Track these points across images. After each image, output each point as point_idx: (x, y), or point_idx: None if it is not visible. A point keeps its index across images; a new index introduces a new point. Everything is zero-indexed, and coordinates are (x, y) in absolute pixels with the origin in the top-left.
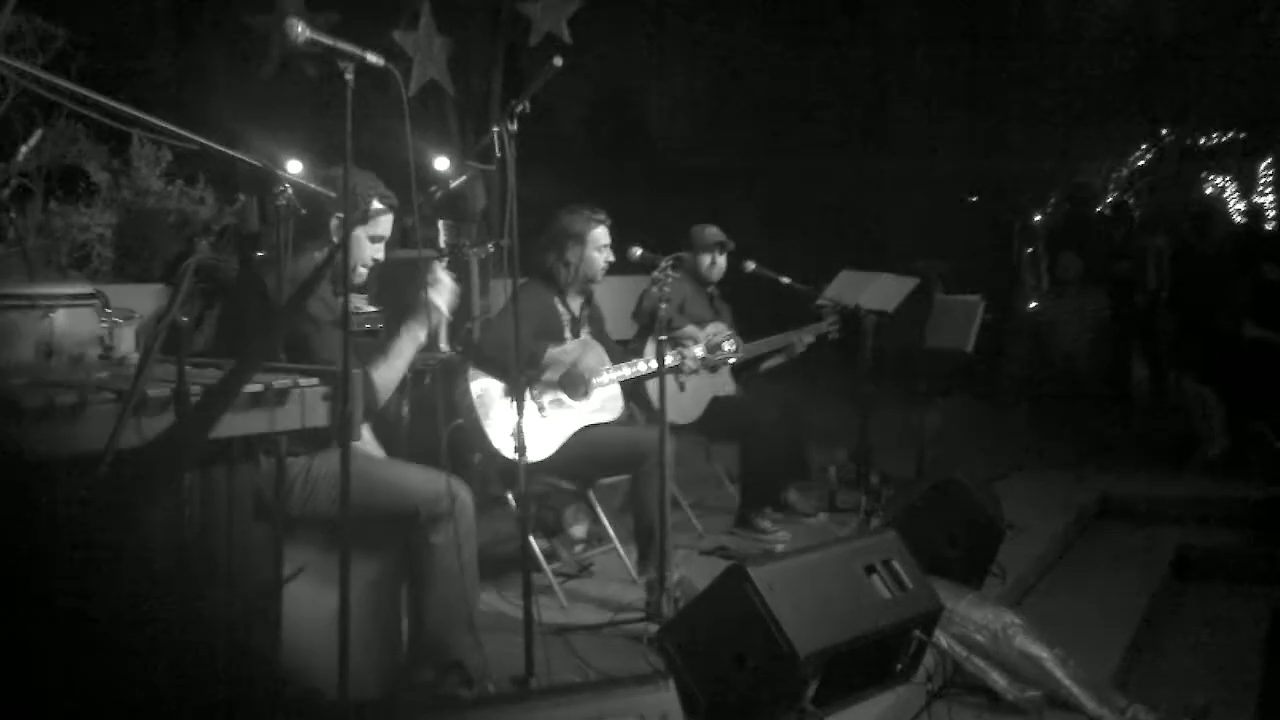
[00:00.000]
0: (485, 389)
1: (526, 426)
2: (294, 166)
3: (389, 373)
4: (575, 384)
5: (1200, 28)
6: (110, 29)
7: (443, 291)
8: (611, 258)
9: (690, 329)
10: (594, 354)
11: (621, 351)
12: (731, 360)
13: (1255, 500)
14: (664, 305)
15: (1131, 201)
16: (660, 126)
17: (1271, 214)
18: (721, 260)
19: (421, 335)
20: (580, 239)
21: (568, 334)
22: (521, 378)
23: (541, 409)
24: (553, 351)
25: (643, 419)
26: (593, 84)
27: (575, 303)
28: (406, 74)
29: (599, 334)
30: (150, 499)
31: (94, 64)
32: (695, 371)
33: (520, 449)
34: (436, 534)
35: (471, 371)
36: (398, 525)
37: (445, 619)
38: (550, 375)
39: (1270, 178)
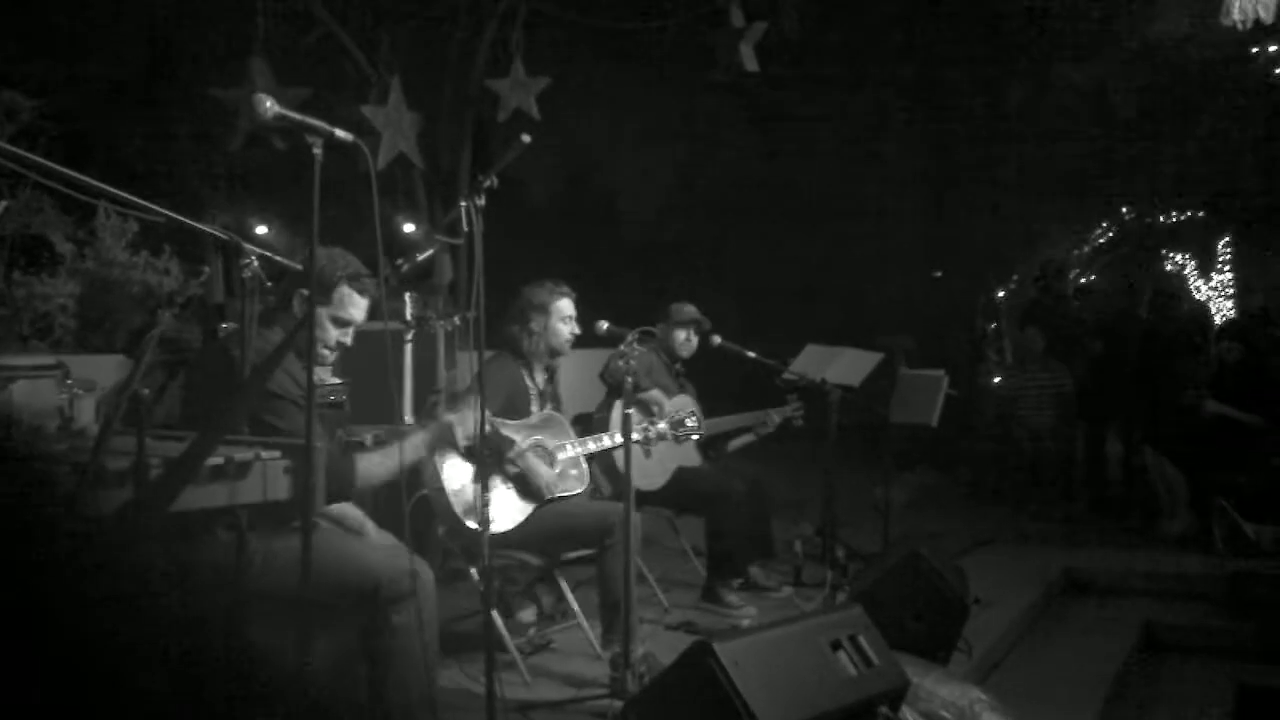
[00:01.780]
0: (451, 461)
1: (492, 499)
2: (261, 229)
3: (375, 468)
4: (541, 457)
5: (1158, 110)
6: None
7: (463, 421)
8: (577, 330)
9: (655, 393)
10: (555, 428)
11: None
12: (695, 437)
13: (1221, 575)
14: (629, 379)
15: (1094, 279)
16: (628, 201)
17: (1229, 292)
18: (695, 339)
19: (423, 451)
20: (544, 309)
21: (534, 406)
22: (486, 455)
23: (507, 479)
24: (517, 448)
25: (608, 490)
26: (561, 159)
27: (540, 376)
28: (375, 148)
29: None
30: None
31: (62, 135)
32: (659, 441)
33: (483, 523)
34: (397, 614)
35: (446, 467)
36: (357, 602)
37: (405, 700)
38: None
39: (1228, 256)
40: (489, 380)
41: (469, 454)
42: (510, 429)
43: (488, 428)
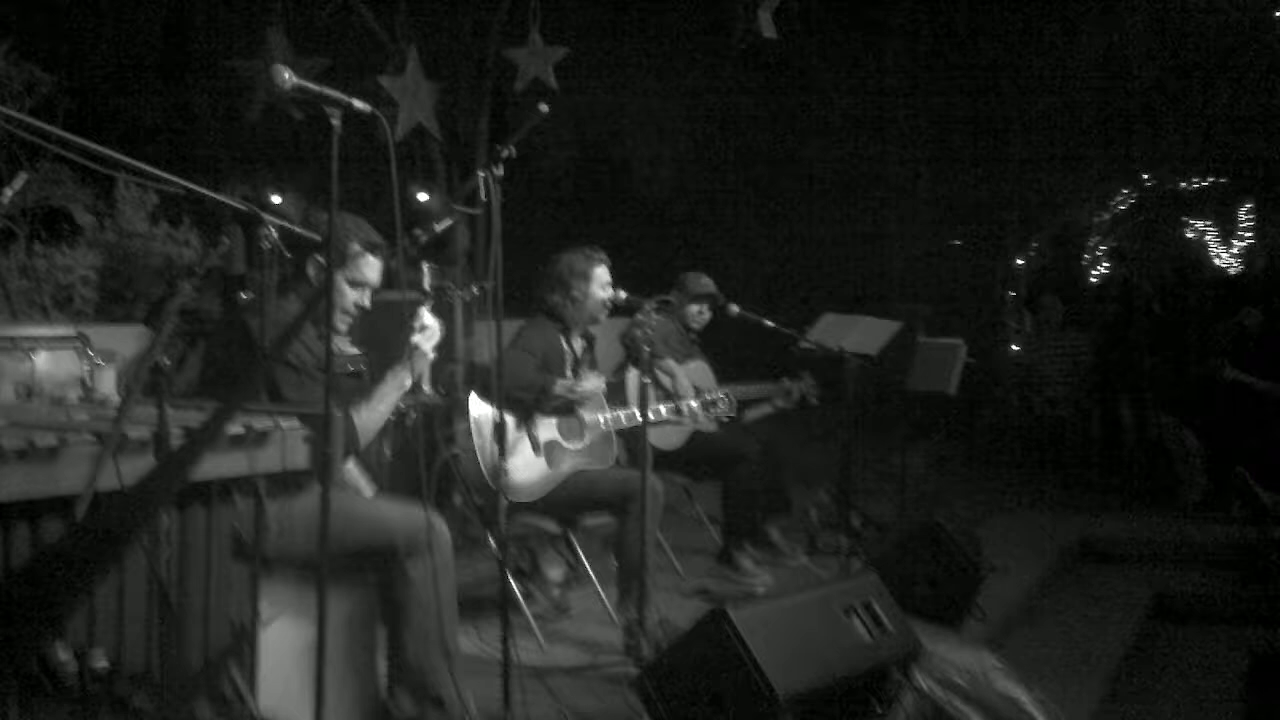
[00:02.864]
0: (482, 422)
1: (522, 464)
2: (276, 200)
3: (371, 415)
4: (572, 428)
5: (1180, 75)
6: (97, 73)
7: (429, 336)
8: (613, 294)
9: (669, 363)
10: (594, 399)
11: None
12: (726, 417)
13: (1235, 543)
14: (647, 348)
15: (1115, 246)
16: (646, 170)
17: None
18: (708, 313)
19: (406, 380)
20: (585, 276)
21: (569, 373)
22: (504, 413)
23: (537, 448)
24: (563, 383)
25: (624, 454)
26: (579, 128)
27: (578, 343)
28: (393, 119)
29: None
30: (128, 541)
31: (81, 108)
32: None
33: (502, 488)
34: (414, 567)
35: (473, 405)
36: (375, 560)
37: (424, 651)
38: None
39: (1250, 222)
40: (527, 345)
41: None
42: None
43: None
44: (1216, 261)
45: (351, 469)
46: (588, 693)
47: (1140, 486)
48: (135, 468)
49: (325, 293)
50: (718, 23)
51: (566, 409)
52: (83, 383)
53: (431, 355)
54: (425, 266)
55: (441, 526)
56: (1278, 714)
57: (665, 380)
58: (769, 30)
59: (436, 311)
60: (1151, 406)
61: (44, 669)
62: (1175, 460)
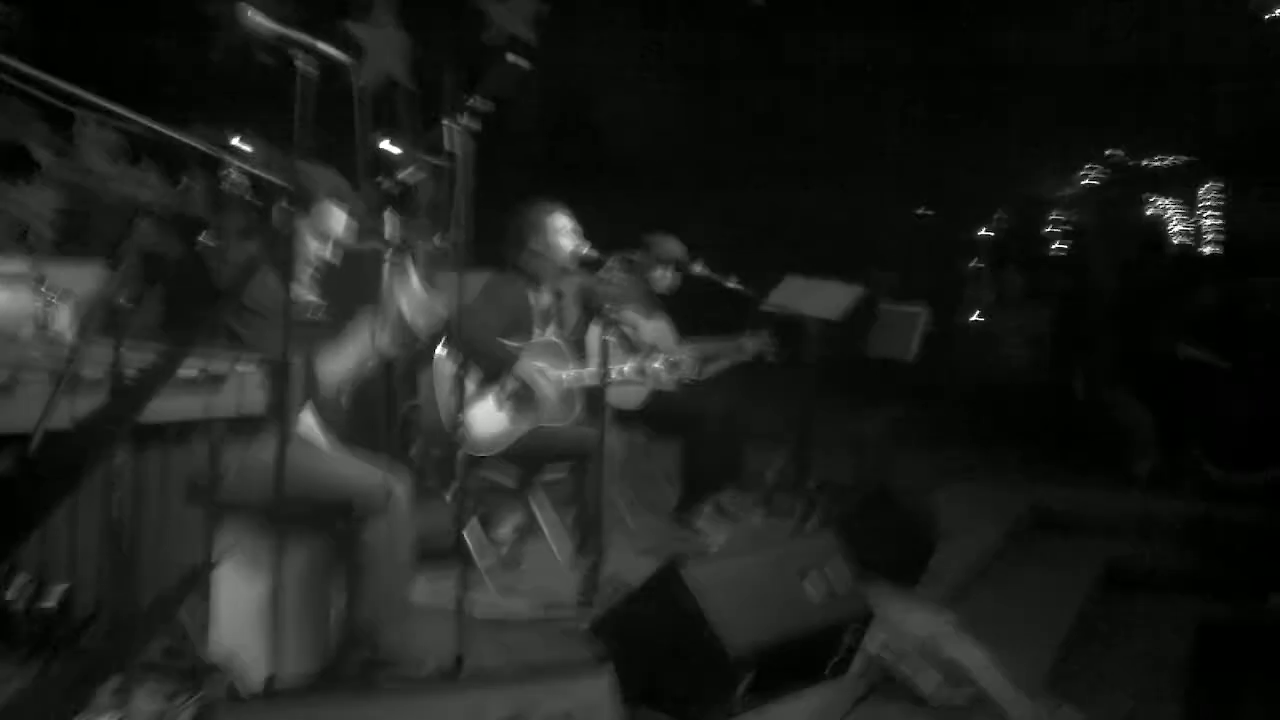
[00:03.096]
0: (444, 373)
1: (483, 417)
2: (236, 143)
3: (334, 364)
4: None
5: (1149, 55)
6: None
7: (411, 297)
8: (579, 242)
9: (631, 314)
10: (555, 353)
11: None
12: (688, 379)
13: (1184, 516)
14: (608, 305)
15: (1076, 220)
16: (614, 127)
17: (1209, 238)
18: (673, 277)
19: (379, 334)
20: (538, 227)
21: (537, 328)
22: (464, 365)
23: (500, 402)
24: (527, 365)
25: (584, 410)
26: (551, 82)
27: (546, 298)
28: (360, 66)
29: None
30: (80, 479)
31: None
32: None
33: (459, 439)
34: (370, 528)
35: (436, 357)
36: (333, 514)
37: (378, 609)
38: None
39: (1211, 201)
40: (495, 299)
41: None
42: (515, 348)
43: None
44: (1175, 239)
45: (309, 421)
46: (541, 643)
47: (1092, 458)
48: (88, 406)
49: (286, 238)
50: None
51: (523, 387)
52: (36, 320)
53: (409, 314)
54: (387, 215)
55: (399, 488)
56: (1222, 680)
57: (628, 331)
58: None
59: (399, 263)
60: (1105, 380)
61: None
62: (1128, 433)
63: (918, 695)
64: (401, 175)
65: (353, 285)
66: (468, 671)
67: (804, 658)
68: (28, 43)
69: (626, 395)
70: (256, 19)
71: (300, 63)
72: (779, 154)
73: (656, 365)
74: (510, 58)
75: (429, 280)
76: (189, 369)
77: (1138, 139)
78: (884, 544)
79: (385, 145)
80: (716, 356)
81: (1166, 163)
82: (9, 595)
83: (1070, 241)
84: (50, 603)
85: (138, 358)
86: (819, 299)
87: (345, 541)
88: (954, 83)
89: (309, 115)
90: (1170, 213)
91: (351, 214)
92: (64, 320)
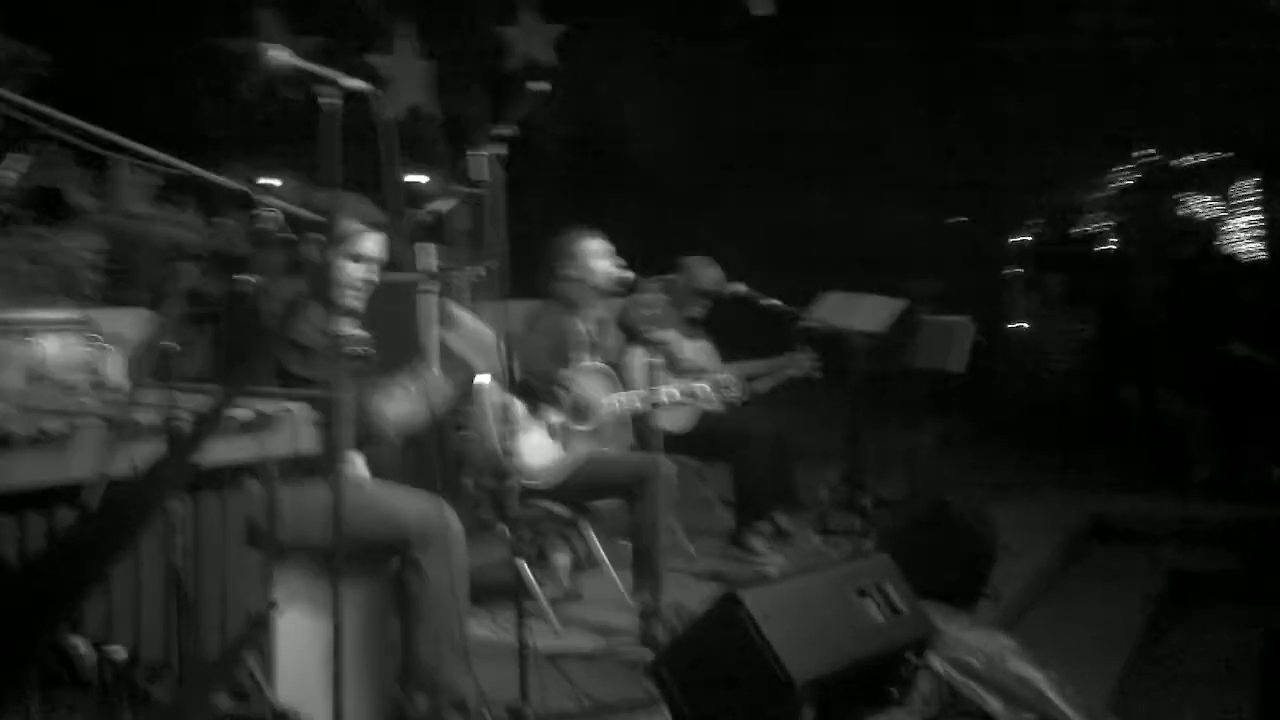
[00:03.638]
0: (493, 405)
1: (535, 448)
2: (267, 180)
3: (389, 409)
4: (580, 411)
5: (1176, 48)
6: (91, 52)
7: (460, 333)
8: (616, 266)
9: (672, 333)
10: (605, 380)
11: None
12: (736, 399)
13: (1246, 521)
14: (648, 328)
15: (1116, 222)
16: (646, 148)
17: (1251, 234)
18: (709, 302)
19: (432, 380)
20: (572, 253)
21: (585, 356)
22: (512, 396)
23: (553, 432)
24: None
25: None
26: (574, 106)
27: (591, 326)
28: (385, 98)
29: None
30: (141, 528)
31: (76, 86)
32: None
33: (513, 471)
34: (427, 563)
35: (484, 388)
36: (388, 553)
37: (437, 649)
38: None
39: (1253, 197)
40: (540, 328)
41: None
42: (565, 374)
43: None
44: (1224, 238)
45: (358, 461)
46: (603, 678)
47: (1148, 464)
48: (146, 453)
49: (324, 270)
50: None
51: (574, 405)
52: (91, 368)
53: (470, 358)
54: (432, 247)
55: (455, 521)
56: None
57: (671, 352)
58: (761, 7)
59: (444, 293)
60: (1158, 383)
61: (62, 660)
62: (1183, 437)
63: (986, 715)
64: (433, 206)
65: (393, 319)
66: (530, 713)
67: (868, 681)
68: (57, 86)
69: (674, 419)
70: (280, 56)
71: (324, 98)
72: (809, 167)
73: (705, 386)
74: (532, 84)
75: (472, 310)
76: (241, 410)
77: (1167, 137)
78: (942, 562)
79: (414, 177)
80: (762, 378)
81: (1200, 160)
82: (79, 646)
83: (1112, 243)
84: (119, 653)
85: (189, 401)
86: (863, 313)
87: (402, 579)
88: (980, 85)
89: (335, 149)
90: (1207, 211)
91: (382, 233)
92: (115, 367)
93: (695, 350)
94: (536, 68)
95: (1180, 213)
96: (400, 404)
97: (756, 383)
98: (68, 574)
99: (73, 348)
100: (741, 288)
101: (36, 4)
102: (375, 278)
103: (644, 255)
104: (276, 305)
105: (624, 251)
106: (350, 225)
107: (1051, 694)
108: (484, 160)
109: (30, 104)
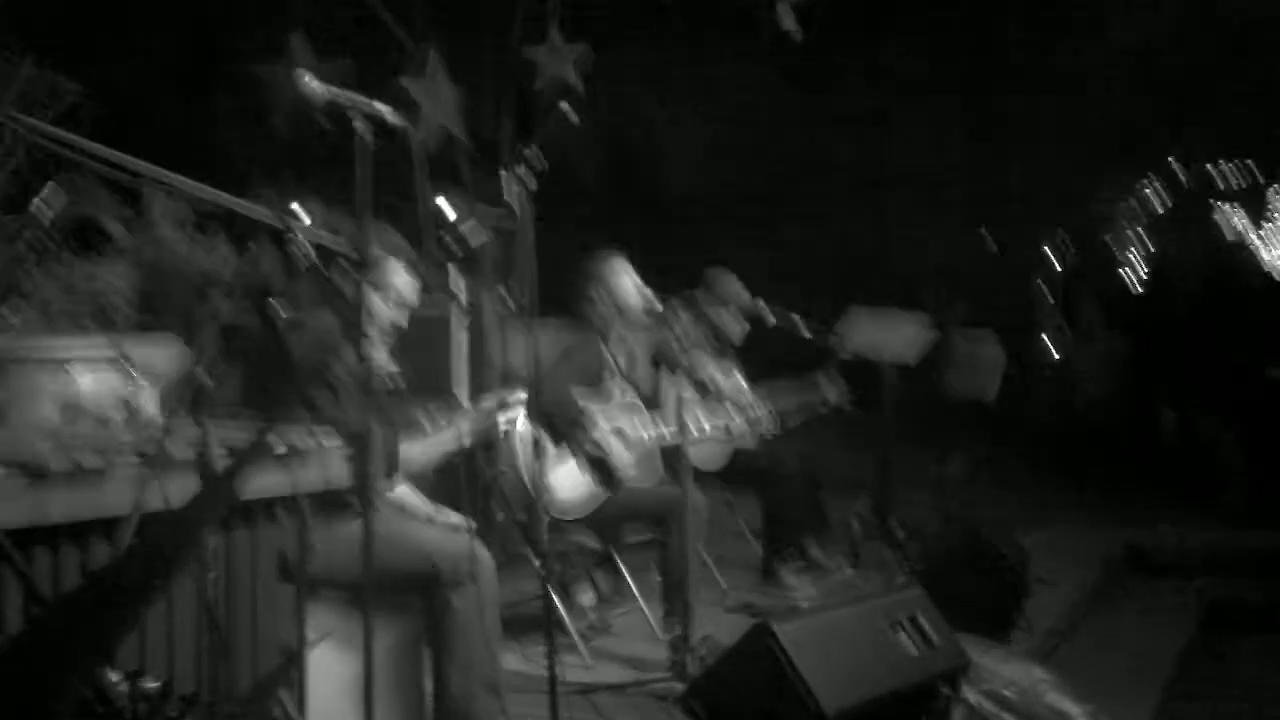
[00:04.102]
0: (524, 438)
1: (567, 481)
2: (296, 207)
3: (423, 452)
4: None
5: (1203, 60)
6: (120, 81)
7: (513, 419)
8: (645, 295)
9: (702, 359)
10: (635, 414)
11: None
12: (769, 433)
13: None
14: (683, 359)
15: (1152, 243)
16: (672, 171)
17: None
18: (742, 322)
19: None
20: (597, 277)
21: (615, 385)
22: (542, 429)
23: (583, 466)
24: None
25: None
26: (604, 129)
27: (621, 355)
28: (417, 122)
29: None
30: (178, 563)
31: (108, 116)
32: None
33: (542, 505)
34: (458, 596)
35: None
36: (419, 587)
37: (468, 683)
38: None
39: None
40: (572, 360)
41: (550, 431)
42: (593, 410)
43: (571, 401)
44: (1260, 259)
45: (405, 489)
46: (634, 711)
47: (1183, 492)
48: (180, 488)
49: (355, 304)
50: (742, 20)
51: (596, 447)
52: (126, 403)
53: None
54: (454, 271)
55: (485, 554)
56: None
57: (703, 382)
58: (790, 24)
59: (474, 320)
60: (1194, 409)
61: (95, 692)
62: (1221, 464)
63: None
64: (463, 230)
65: (424, 352)
66: None
67: (901, 714)
68: (93, 115)
69: (707, 456)
70: (311, 84)
71: (357, 125)
72: (836, 187)
73: (737, 422)
74: (563, 105)
75: (502, 332)
76: (276, 445)
77: (1195, 146)
78: (975, 593)
79: (444, 202)
80: (794, 410)
81: (1229, 168)
82: (111, 677)
83: (1146, 267)
84: (152, 684)
85: (223, 435)
86: (892, 341)
87: (433, 612)
88: (1004, 99)
89: (368, 176)
90: (1249, 234)
91: (413, 269)
92: (152, 402)
93: (725, 378)
94: (566, 91)
95: (1215, 237)
96: (428, 443)
97: (788, 419)
98: (102, 609)
99: (107, 380)
100: (763, 309)
101: (68, 35)
102: (405, 322)
103: (675, 278)
104: (309, 339)
105: (656, 282)
106: (382, 259)
107: None
108: (513, 185)
109: (65, 135)
